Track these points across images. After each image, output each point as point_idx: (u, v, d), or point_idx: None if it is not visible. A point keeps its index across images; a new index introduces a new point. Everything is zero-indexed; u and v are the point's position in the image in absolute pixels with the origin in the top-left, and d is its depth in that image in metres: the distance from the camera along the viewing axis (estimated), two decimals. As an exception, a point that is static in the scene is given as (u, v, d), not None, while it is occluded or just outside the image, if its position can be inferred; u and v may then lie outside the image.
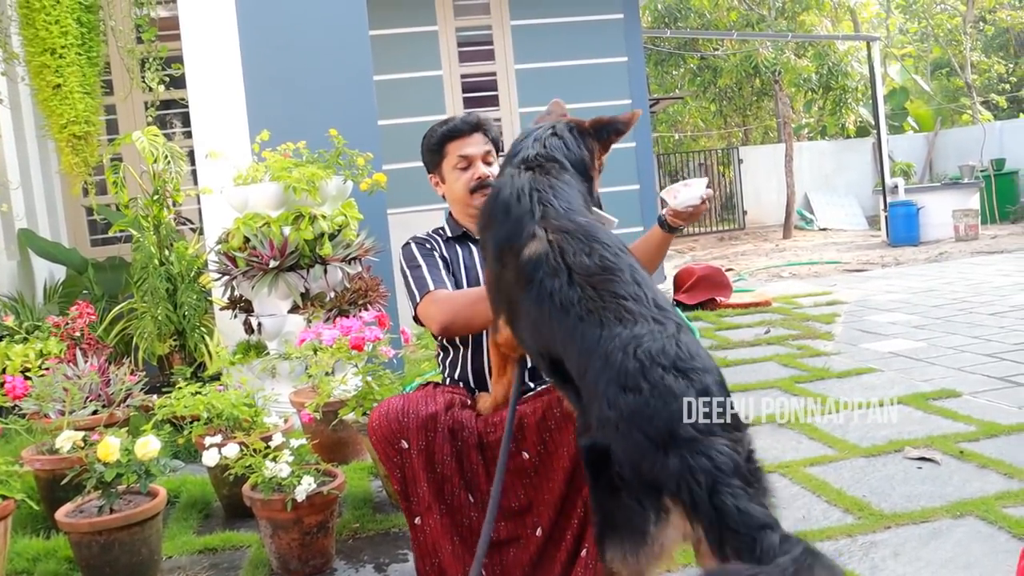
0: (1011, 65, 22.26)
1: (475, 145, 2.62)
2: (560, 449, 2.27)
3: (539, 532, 2.33)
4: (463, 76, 8.26)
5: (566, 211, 2.03)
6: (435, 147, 2.64)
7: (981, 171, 14.99)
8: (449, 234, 2.70)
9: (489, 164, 2.63)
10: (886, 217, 13.03)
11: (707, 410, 1.63)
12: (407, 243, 2.67)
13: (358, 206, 4.53)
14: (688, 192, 2.40)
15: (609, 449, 1.67)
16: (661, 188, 16.37)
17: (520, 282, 1.96)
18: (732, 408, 1.68)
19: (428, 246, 2.64)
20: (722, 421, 1.64)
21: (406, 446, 2.33)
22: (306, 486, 2.71)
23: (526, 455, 2.33)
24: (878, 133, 13.46)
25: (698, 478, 1.54)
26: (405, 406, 2.37)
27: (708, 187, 2.42)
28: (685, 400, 1.63)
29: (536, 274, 1.90)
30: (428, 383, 2.71)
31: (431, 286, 2.50)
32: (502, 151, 2.56)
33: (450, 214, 2.74)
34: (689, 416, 1.61)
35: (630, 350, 1.70)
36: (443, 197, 2.72)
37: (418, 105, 7.95)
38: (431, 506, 2.34)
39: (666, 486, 1.57)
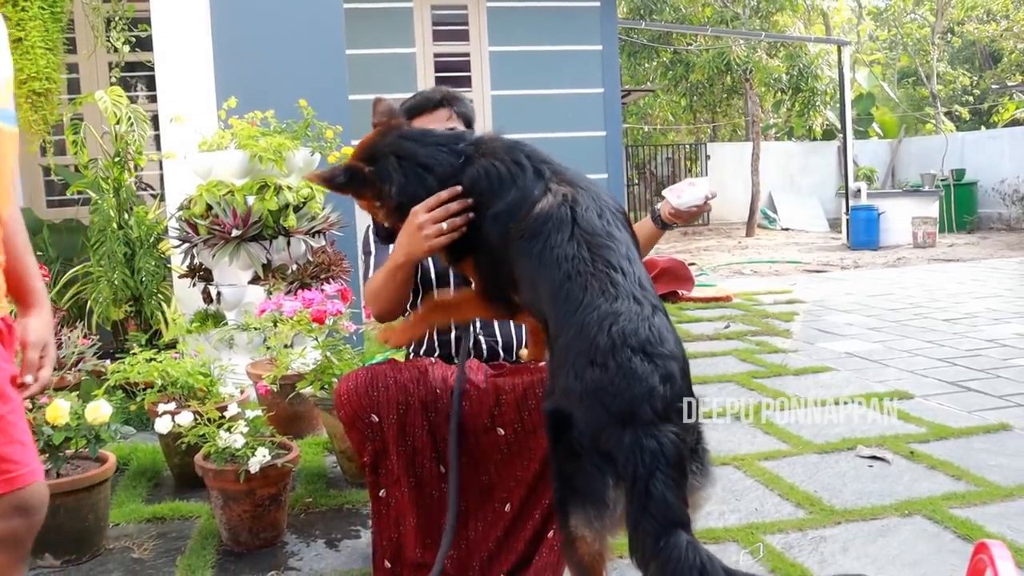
0: (976, 78, 22.69)
1: (438, 121, 2.50)
2: (539, 429, 2.22)
3: (508, 508, 2.31)
4: (436, 55, 8.19)
5: (569, 169, 1.98)
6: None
7: (942, 180, 15.26)
8: None
9: None
10: (847, 220, 13.21)
11: (667, 396, 1.66)
12: (368, 225, 2.61)
13: (325, 179, 4.47)
14: (693, 192, 2.38)
15: (570, 417, 1.71)
16: (628, 179, 16.32)
17: (523, 237, 1.88)
18: (690, 397, 1.72)
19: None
20: (679, 408, 1.69)
21: (376, 420, 2.27)
22: (260, 458, 2.67)
23: (501, 431, 2.29)
24: (844, 137, 13.63)
25: (644, 458, 1.60)
26: (373, 379, 2.31)
27: (711, 188, 2.42)
28: (648, 384, 1.66)
29: (544, 227, 1.85)
30: (390, 360, 2.67)
31: (371, 273, 2.48)
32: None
33: None
34: (651, 400, 1.65)
35: (605, 325, 1.71)
36: None
37: (389, 82, 7.86)
38: (400, 479, 2.30)
39: (617, 459, 1.63)
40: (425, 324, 2.35)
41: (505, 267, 1.95)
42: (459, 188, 1.97)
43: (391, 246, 2.47)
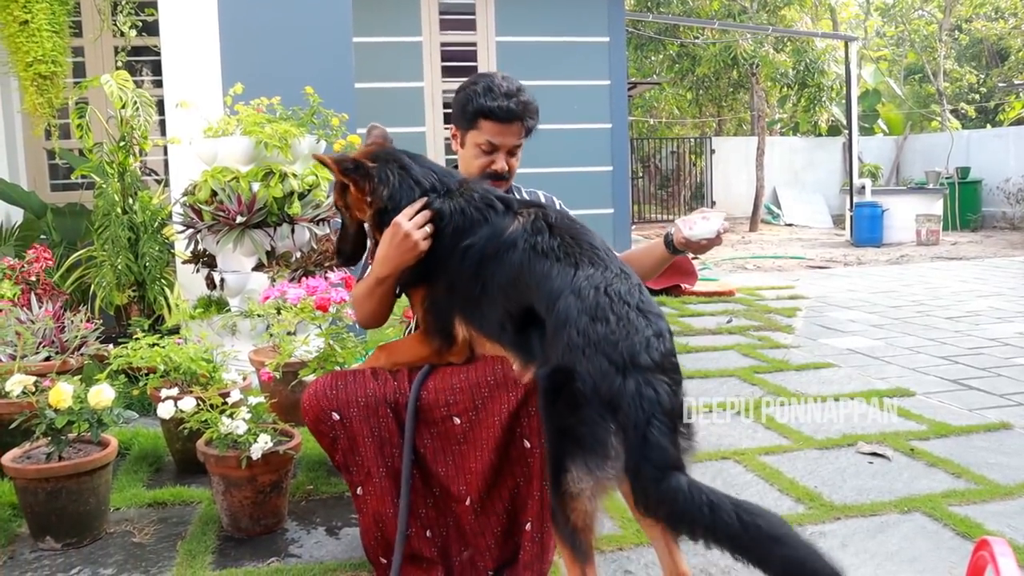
0: (982, 76, 22.60)
1: (508, 136, 2.46)
2: (491, 418, 2.25)
3: (468, 502, 2.32)
4: (443, 44, 8.16)
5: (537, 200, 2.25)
6: (470, 115, 2.47)
7: (946, 178, 15.24)
8: None
9: (513, 155, 2.51)
10: (851, 217, 13.20)
11: (662, 349, 1.84)
12: None
13: (330, 167, 4.46)
14: (705, 225, 2.34)
15: (572, 371, 1.82)
16: (633, 172, 16.29)
17: (498, 252, 2.09)
18: (675, 355, 1.90)
19: None
20: (673, 363, 1.87)
21: (338, 417, 2.31)
22: (262, 444, 2.68)
23: (457, 420, 2.30)
24: (850, 133, 13.60)
25: (644, 405, 1.74)
26: (333, 380, 2.36)
27: (725, 220, 2.37)
28: (645, 334, 1.84)
29: (519, 240, 2.08)
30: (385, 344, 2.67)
31: (363, 275, 2.49)
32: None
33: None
34: (648, 349, 1.82)
35: (601, 287, 1.91)
36: (456, 153, 2.59)
37: (395, 71, 7.86)
38: (371, 471, 2.32)
39: (619, 406, 1.76)
40: (376, 364, 2.43)
41: (464, 291, 2.14)
42: (427, 201, 2.18)
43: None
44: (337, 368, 2.98)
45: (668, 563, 2.12)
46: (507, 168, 2.50)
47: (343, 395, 2.32)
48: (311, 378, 3.08)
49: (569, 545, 1.88)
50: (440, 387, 2.29)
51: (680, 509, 1.66)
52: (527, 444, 2.24)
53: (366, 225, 2.34)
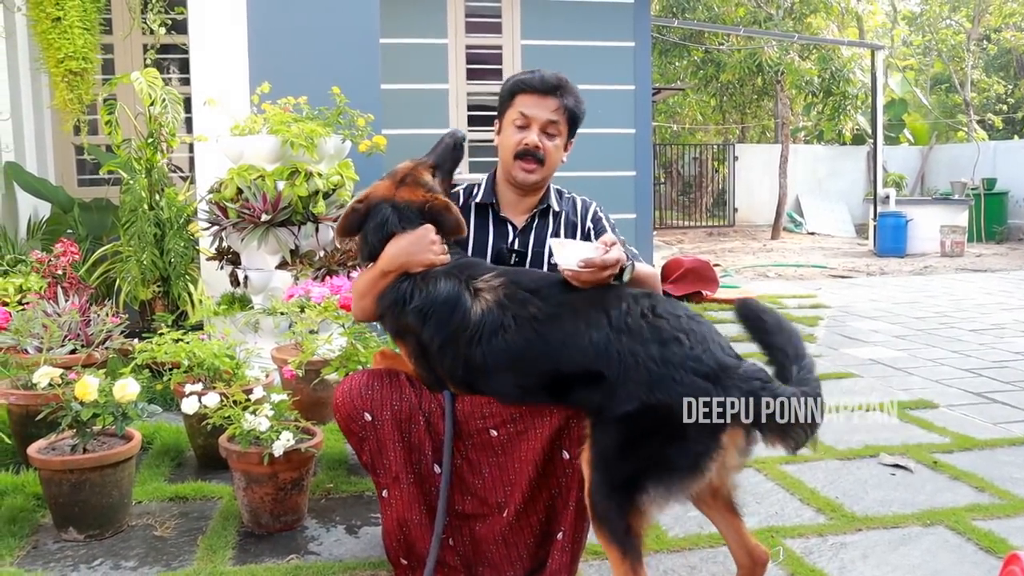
0: (1010, 86, 22.38)
1: (543, 108, 2.40)
2: (532, 431, 2.23)
3: (505, 513, 2.30)
4: (468, 47, 8.17)
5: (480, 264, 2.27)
6: (506, 93, 2.46)
7: (972, 189, 15.08)
8: (477, 197, 2.54)
9: (550, 136, 2.42)
10: (875, 226, 13.09)
11: (728, 344, 1.99)
12: None
13: (355, 167, 4.49)
14: (562, 253, 2.12)
15: (664, 405, 1.88)
16: (655, 178, 16.20)
17: (487, 335, 2.11)
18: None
19: None
20: (736, 353, 1.99)
21: (370, 418, 2.31)
22: (284, 441, 2.69)
23: (494, 432, 2.29)
24: (875, 142, 13.49)
25: (760, 387, 1.90)
26: (369, 380, 2.35)
27: (599, 254, 2.07)
28: (712, 339, 1.95)
29: (503, 318, 2.09)
30: (383, 350, 2.67)
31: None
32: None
33: (493, 173, 2.57)
34: (724, 350, 1.95)
35: (648, 314, 1.96)
36: (496, 147, 2.55)
37: (421, 72, 7.87)
38: (398, 476, 2.32)
39: (735, 416, 1.87)
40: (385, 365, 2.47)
41: (449, 368, 2.20)
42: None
43: None
44: (359, 368, 2.99)
45: (738, 541, 2.22)
46: (539, 146, 2.40)
47: (378, 396, 2.32)
48: (333, 376, 3.10)
49: (620, 546, 1.95)
50: (475, 400, 2.28)
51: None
52: (566, 455, 2.22)
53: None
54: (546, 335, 2.04)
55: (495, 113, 2.54)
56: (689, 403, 1.86)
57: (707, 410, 1.86)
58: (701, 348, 1.91)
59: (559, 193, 2.60)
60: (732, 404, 1.87)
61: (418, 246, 2.23)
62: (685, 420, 1.86)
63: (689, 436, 1.87)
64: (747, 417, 1.89)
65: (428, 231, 2.24)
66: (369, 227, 2.32)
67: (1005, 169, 16.08)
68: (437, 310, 2.16)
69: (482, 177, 2.60)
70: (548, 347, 2.04)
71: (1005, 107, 22.34)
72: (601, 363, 1.96)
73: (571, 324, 2.01)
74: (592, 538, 2.22)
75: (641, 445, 1.92)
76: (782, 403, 1.90)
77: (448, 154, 2.43)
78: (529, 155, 2.40)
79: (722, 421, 1.87)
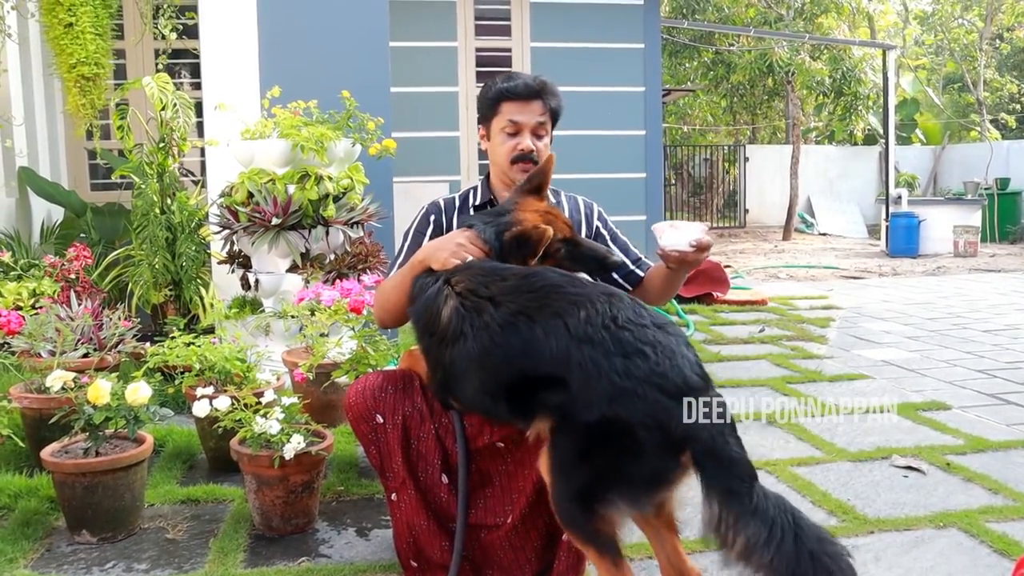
0: (1023, 85, 22.23)
1: (530, 113, 2.46)
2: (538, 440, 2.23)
3: (511, 519, 2.31)
4: (478, 50, 8.19)
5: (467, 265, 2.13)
6: (490, 101, 2.50)
7: (985, 189, 14.99)
8: (476, 200, 2.58)
9: (539, 137, 2.48)
10: (887, 227, 13.03)
11: (696, 360, 1.84)
12: (423, 207, 2.62)
13: (365, 171, 4.50)
14: (673, 235, 2.18)
15: (624, 420, 1.76)
16: (665, 180, 16.22)
17: (451, 340, 2.03)
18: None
19: (431, 221, 2.57)
20: (705, 373, 1.84)
21: (381, 420, 2.32)
22: (295, 444, 2.70)
23: (501, 444, 2.30)
24: (886, 142, 13.43)
25: (715, 428, 1.74)
26: (383, 382, 2.36)
27: (706, 234, 2.18)
28: (680, 353, 1.81)
29: (463, 325, 2.00)
30: (413, 350, 2.68)
31: (391, 273, 2.48)
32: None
33: (487, 177, 2.62)
34: (692, 367, 1.80)
35: (610, 324, 1.82)
36: (486, 152, 2.60)
37: (430, 75, 7.90)
38: (405, 481, 2.33)
39: (695, 438, 1.73)
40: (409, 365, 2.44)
41: (434, 371, 2.15)
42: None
43: (427, 238, 2.51)
44: (369, 371, 3.00)
45: (670, 559, 2.08)
46: (534, 149, 2.47)
47: (391, 400, 2.33)
48: (344, 380, 3.11)
49: (595, 545, 1.89)
50: (480, 418, 2.29)
51: (769, 519, 1.68)
52: None
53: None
54: (504, 343, 1.94)
55: None
56: (649, 421, 1.75)
57: (668, 431, 1.74)
58: (668, 363, 1.77)
59: (555, 193, 2.62)
60: (693, 431, 1.74)
61: (443, 243, 2.20)
62: (645, 436, 1.76)
63: (648, 452, 1.77)
64: (700, 455, 1.76)
65: (459, 234, 2.20)
66: None
67: (1018, 169, 15.98)
68: (419, 309, 2.15)
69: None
70: (507, 355, 1.94)
71: (1018, 106, 22.20)
72: (562, 371, 1.85)
73: (528, 331, 1.90)
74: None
75: (601, 455, 1.82)
76: (728, 463, 1.75)
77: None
78: (526, 159, 2.46)
79: (683, 442, 1.75)
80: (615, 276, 2.61)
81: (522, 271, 2.05)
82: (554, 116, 2.53)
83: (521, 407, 1.98)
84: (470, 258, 2.14)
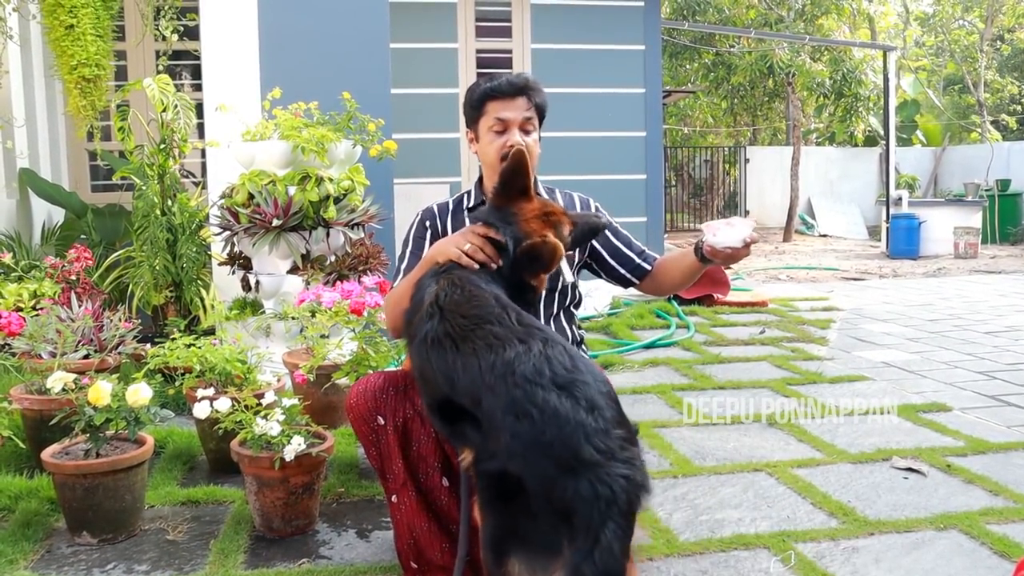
0: (1024, 86, 22.25)
1: (516, 109, 2.46)
2: None
3: None
4: (478, 51, 8.19)
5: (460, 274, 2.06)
6: (475, 103, 2.50)
7: (985, 190, 14.99)
8: (470, 203, 2.59)
9: (527, 133, 2.48)
10: (887, 228, 13.04)
11: (601, 427, 1.65)
12: (418, 214, 2.62)
13: (365, 172, 4.50)
14: (729, 232, 2.21)
15: (520, 479, 1.67)
16: (666, 181, 16.25)
17: (412, 336, 2.00)
18: (622, 418, 1.72)
19: (427, 226, 2.57)
20: (620, 436, 1.67)
21: (382, 422, 2.32)
22: (295, 446, 2.70)
23: None
24: (887, 144, 13.44)
25: (601, 507, 1.58)
26: (385, 384, 2.36)
27: (754, 230, 2.22)
28: (575, 420, 1.64)
29: (420, 325, 1.95)
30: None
31: (396, 282, 2.47)
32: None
33: (480, 179, 2.62)
34: (587, 437, 1.63)
35: (508, 378, 1.72)
36: (476, 155, 2.60)
37: (431, 76, 7.90)
38: (406, 483, 2.34)
39: (576, 511, 1.59)
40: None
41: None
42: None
43: (427, 242, 2.51)
44: (370, 372, 3.00)
45: None
46: (523, 145, 2.43)
47: (392, 401, 2.32)
48: (344, 381, 3.11)
49: None
50: None
51: None
52: None
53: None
54: (431, 360, 1.89)
55: None
56: (536, 486, 1.65)
57: (551, 500, 1.63)
58: (555, 432, 1.63)
59: (550, 191, 2.63)
60: (577, 505, 1.60)
61: (450, 239, 2.17)
62: (535, 501, 1.66)
63: (539, 516, 1.66)
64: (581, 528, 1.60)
65: (471, 231, 2.15)
66: None
67: (1019, 170, 15.98)
68: (411, 309, 2.11)
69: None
70: (434, 374, 1.89)
71: (1019, 107, 22.21)
72: (475, 410, 1.78)
73: (451, 358, 1.84)
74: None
75: (503, 508, 1.74)
76: (592, 545, 1.58)
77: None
78: None
79: (569, 515, 1.61)
80: (621, 271, 2.62)
81: (471, 288, 1.98)
82: (540, 112, 2.52)
83: (451, 430, 1.93)
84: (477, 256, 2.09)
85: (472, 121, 2.55)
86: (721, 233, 2.22)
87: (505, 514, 1.75)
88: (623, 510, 1.59)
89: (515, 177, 2.15)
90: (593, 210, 2.66)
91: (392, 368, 2.79)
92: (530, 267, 2.08)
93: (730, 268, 10.13)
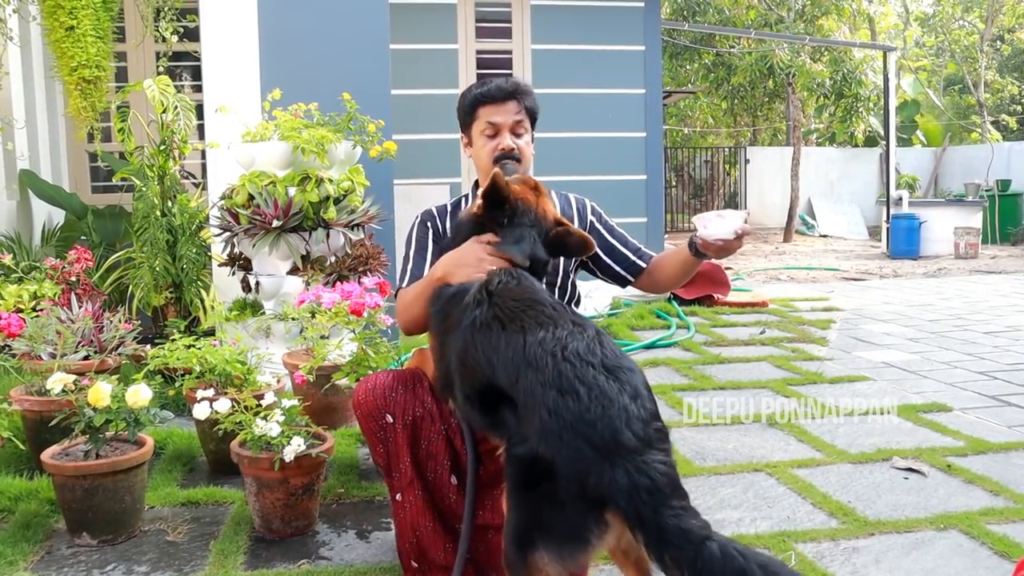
0: (1024, 87, 22.25)
1: (506, 113, 2.49)
2: None
3: None
4: (479, 52, 8.20)
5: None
6: (467, 108, 2.54)
7: (986, 190, 14.99)
8: (467, 206, 2.59)
9: (518, 135, 2.51)
10: (887, 229, 13.04)
11: (642, 415, 1.66)
12: (417, 216, 2.63)
13: (365, 173, 4.51)
14: (720, 224, 2.21)
15: (552, 464, 1.65)
16: (666, 182, 16.27)
17: (452, 328, 2.02)
18: (660, 416, 1.72)
19: (428, 226, 2.58)
20: (658, 428, 1.68)
21: (391, 420, 2.31)
22: (295, 447, 2.70)
23: None
24: (887, 144, 13.44)
25: (643, 498, 1.56)
26: (393, 381, 2.35)
27: (746, 222, 2.22)
28: (621, 403, 1.65)
29: (467, 312, 1.97)
30: (423, 348, 2.68)
31: (404, 283, 2.48)
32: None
33: (475, 184, 2.64)
34: (629, 422, 1.63)
35: (558, 352, 1.73)
36: (471, 158, 2.62)
37: (431, 77, 7.91)
38: (413, 482, 2.33)
39: (613, 501, 1.58)
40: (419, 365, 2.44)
41: (441, 365, 2.12)
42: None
43: (430, 242, 2.51)
44: (369, 372, 3.00)
45: None
46: (514, 148, 2.49)
47: (402, 400, 2.32)
48: (344, 382, 3.11)
49: None
50: None
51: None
52: None
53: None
54: (476, 343, 1.91)
55: None
56: (569, 470, 1.62)
57: (585, 486, 1.61)
58: (600, 412, 1.63)
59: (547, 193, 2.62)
60: (611, 493, 1.58)
61: (466, 257, 2.18)
62: (564, 486, 1.63)
63: (567, 504, 1.64)
64: (632, 521, 1.59)
65: (476, 244, 2.18)
66: None
67: (1019, 170, 15.98)
68: (446, 303, 2.13)
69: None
70: (476, 357, 1.90)
71: (1019, 108, 22.21)
72: (512, 390, 1.77)
73: (496, 338, 1.85)
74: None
75: (531, 496, 1.71)
76: (659, 533, 1.56)
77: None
78: (507, 158, 2.48)
79: (602, 502, 1.60)
80: (617, 269, 2.63)
81: (527, 283, 2.03)
82: (531, 115, 2.56)
83: (490, 419, 1.91)
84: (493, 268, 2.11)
85: (465, 126, 2.59)
86: (712, 225, 2.23)
87: (531, 504, 1.73)
88: (669, 492, 1.58)
89: (494, 196, 2.19)
90: (589, 211, 2.69)
91: (394, 367, 2.79)
92: (556, 254, 2.23)
93: (727, 265, 10.13)
